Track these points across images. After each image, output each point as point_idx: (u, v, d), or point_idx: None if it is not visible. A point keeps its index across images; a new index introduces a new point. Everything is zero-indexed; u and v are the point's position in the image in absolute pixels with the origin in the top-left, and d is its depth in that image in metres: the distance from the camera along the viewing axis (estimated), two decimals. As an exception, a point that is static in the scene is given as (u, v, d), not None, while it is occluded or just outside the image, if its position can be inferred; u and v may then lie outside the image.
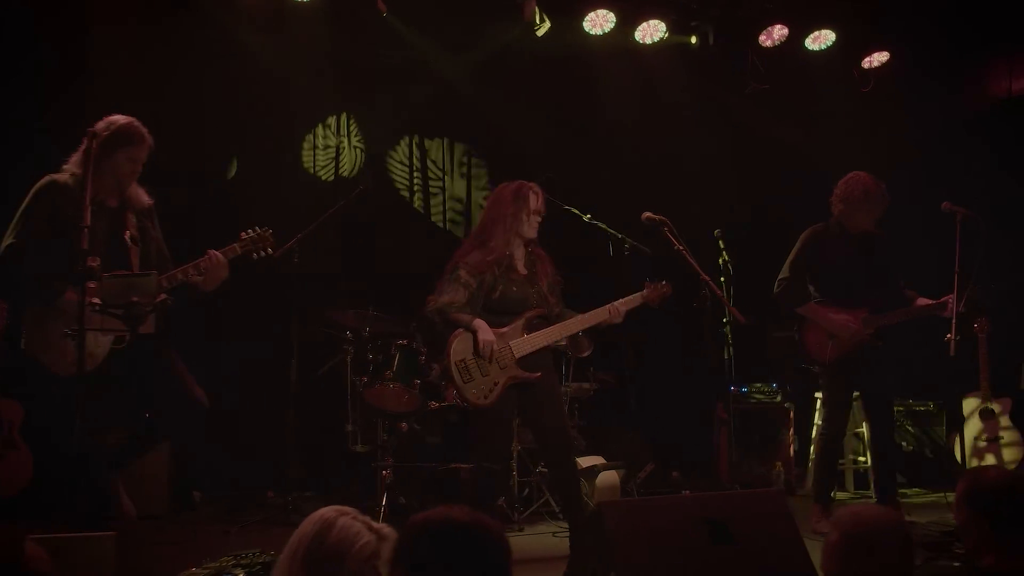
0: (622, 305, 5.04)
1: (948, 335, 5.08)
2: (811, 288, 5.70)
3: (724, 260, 5.46)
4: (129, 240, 4.59)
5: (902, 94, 7.40)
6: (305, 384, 6.07)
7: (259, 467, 6.45)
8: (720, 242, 6.14)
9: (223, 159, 6.49)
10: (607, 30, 6.80)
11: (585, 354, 6.28)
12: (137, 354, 4.45)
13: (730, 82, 7.26)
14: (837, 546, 2.47)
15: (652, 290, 5.10)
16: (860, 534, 2.45)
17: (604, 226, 6.11)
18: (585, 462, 6.08)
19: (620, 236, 6.01)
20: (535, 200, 4.97)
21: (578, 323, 5.07)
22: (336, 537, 2.33)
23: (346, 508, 2.39)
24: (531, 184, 5.02)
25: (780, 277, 5.69)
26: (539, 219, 5.01)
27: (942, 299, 5.38)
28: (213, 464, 6.41)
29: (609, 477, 6.05)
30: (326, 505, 2.48)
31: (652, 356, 7.42)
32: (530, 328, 4.95)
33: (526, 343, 4.90)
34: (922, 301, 5.53)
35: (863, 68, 7.31)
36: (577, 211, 6.14)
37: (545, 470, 6.03)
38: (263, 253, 4.74)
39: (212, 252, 4.58)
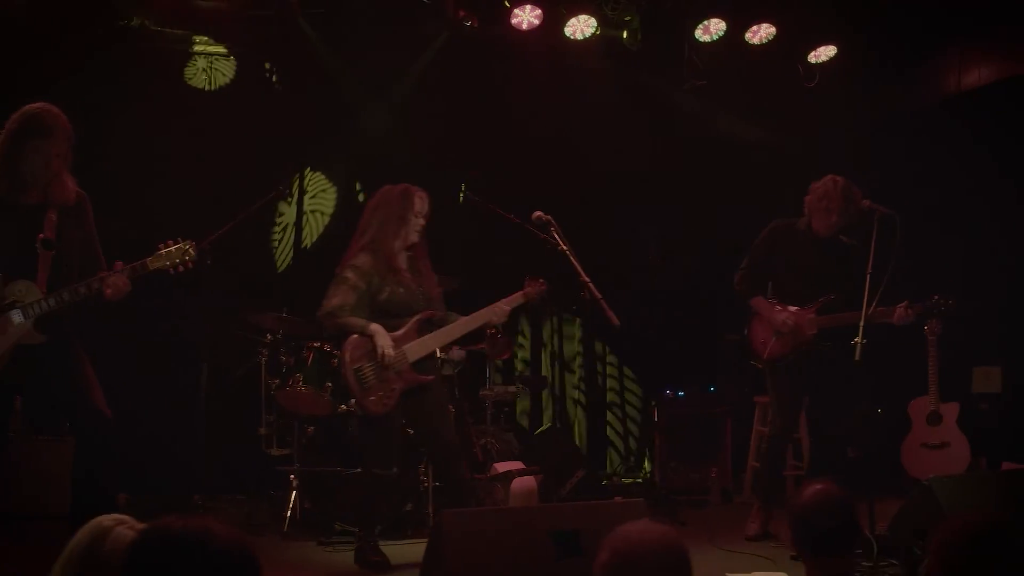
0: (505, 304, 5.06)
1: (855, 339, 4.90)
2: (770, 284, 5.64)
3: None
4: (40, 245, 4.29)
5: (850, 90, 7.20)
6: (222, 387, 6.04)
7: (183, 470, 6.38)
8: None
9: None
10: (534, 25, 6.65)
11: (505, 356, 6.18)
12: (37, 361, 4.28)
13: (667, 78, 7.08)
14: (605, 566, 2.37)
15: (531, 287, 5.15)
16: (627, 552, 2.35)
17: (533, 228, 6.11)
18: (502, 467, 6.00)
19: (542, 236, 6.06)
20: (420, 203, 5.00)
21: (465, 325, 5.08)
22: (109, 547, 2.27)
23: (124, 517, 2.30)
24: (416, 188, 5.05)
25: (740, 266, 5.63)
26: (423, 222, 5.03)
27: (894, 306, 5.26)
28: (137, 466, 6.30)
29: (525, 483, 5.95)
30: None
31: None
32: (421, 331, 4.96)
33: (420, 347, 4.92)
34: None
35: (809, 62, 7.12)
36: (500, 211, 6.12)
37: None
38: (180, 269, 4.47)
39: (110, 279, 4.28)
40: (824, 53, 7.17)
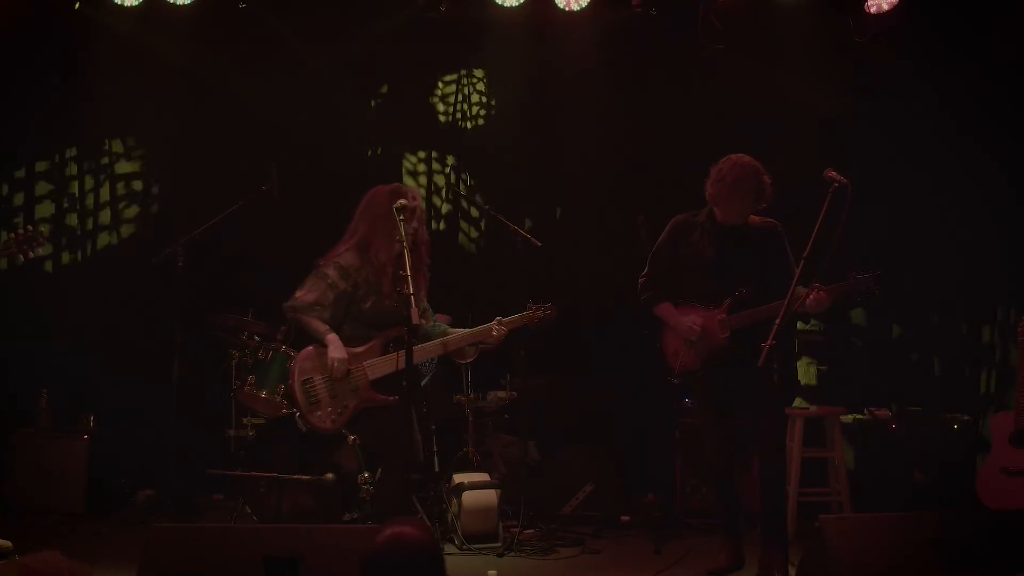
0: (503, 326, 4.92)
1: (763, 342, 4.13)
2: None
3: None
4: None
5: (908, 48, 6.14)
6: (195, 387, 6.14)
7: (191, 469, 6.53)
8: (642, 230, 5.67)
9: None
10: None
11: (468, 360, 5.79)
12: None
13: (680, 46, 6.35)
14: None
15: (535, 311, 5.00)
16: (371, 555, 2.34)
17: (503, 219, 5.85)
18: (464, 479, 5.65)
19: (514, 228, 5.82)
20: (412, 203, 4.77)
21: (446, 344, 4.94)
22: None
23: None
24: (410, 188, 4.96)
25: (641, 273, 4.99)
26: (416, 225, 4.82)
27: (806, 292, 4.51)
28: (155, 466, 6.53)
29: (479, 497, 5.55)
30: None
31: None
32: (388, 348, 4.80)
33: (383, 364, 4.75)
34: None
35: (865, 12, 6.11)
36: (479, 201, 5.86)
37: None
38: (31, 254, 4.69)
39: None
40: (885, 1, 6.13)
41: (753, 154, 4.76)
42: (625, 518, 6.13)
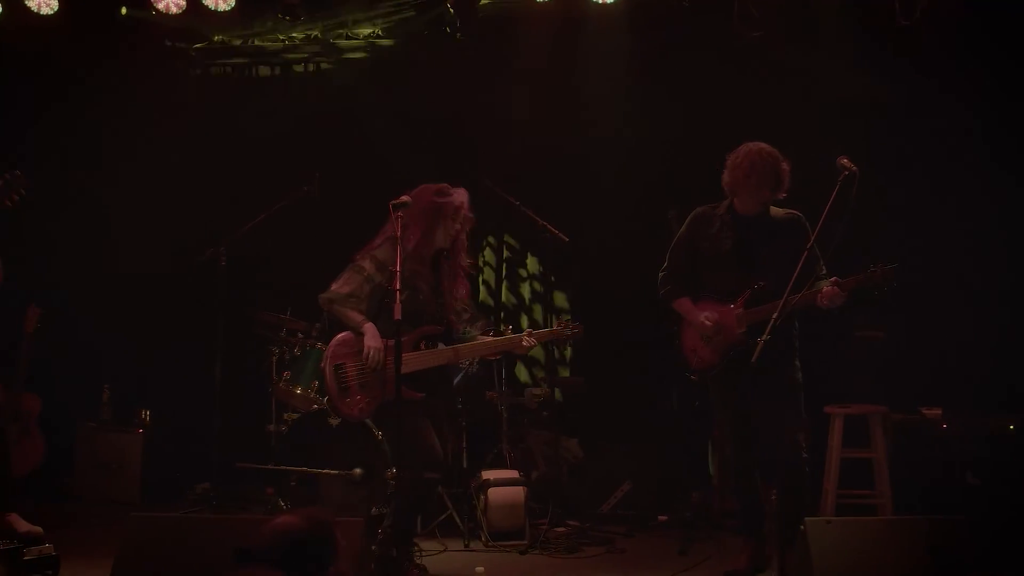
0: (533, 339, 4.86)
1: (760, 337, 4.02)
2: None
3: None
4: None
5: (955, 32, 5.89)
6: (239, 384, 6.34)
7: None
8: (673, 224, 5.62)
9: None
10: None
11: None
12: None
13: (713, 35, 6.21)
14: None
15: (563, 328, 4.95)
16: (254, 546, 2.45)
17: (532, 214, 5.86)
18: (491, 475, 5.68)
19: (543, 223, 5.91)
20: (457, 204, 4.80)
21: (477, 349, 4.92)
22: None
23: None
24: (457, 187, 4.89)
25: (661, 267, 4.95)
26: (458, 227, 4.84)
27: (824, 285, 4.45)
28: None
29: (506, 493, 5.59)
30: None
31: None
32: (420, 345, 4.79)
33: (414, 360, 4.72)
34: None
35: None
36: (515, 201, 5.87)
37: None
38: (15, 198, 4.74)
39: None
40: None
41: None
42: (662, 517, 6.06)
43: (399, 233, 4.39)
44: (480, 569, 4.67)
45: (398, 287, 4.27)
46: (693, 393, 5.67)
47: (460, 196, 4.82)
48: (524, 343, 4.85)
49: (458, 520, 5.71)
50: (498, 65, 6.90)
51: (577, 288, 7.10)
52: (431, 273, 4.79)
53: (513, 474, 5.82)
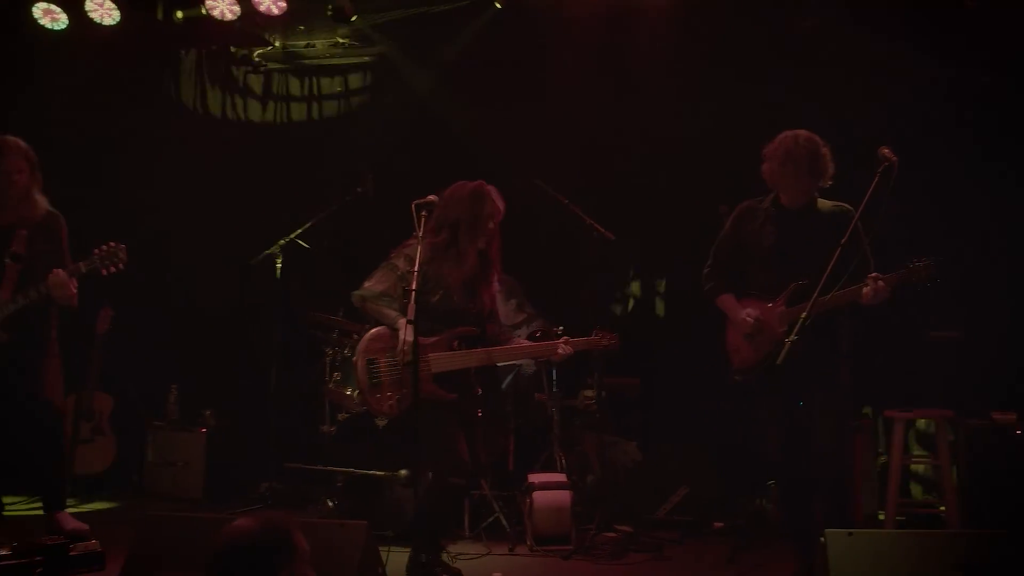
0: (569, 346, 4.76)
1: (788, 338, 3.87)
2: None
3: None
4: (10, 259, 5.09)
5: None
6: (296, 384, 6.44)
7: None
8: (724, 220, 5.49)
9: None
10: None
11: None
12: (9, 359, 5.07)
13: (771, 23, 6.00)
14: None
15: (600, 338, 4.83)
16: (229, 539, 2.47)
17: (579, 211, 5.80)
18: (536, 479, 5.62)
19: (590, 221, 5.84)
20: (494, 203, 4.78)
21: (513, 353, 4.89)
22: None
23: None
24: (490, 186, 4.88)
25: (706, 263, 4.81)
26: (493, 224, 4.81)
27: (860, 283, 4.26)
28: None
29: (551, 497, 5.51)
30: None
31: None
32: (454, 345, 4.77)
33: (447, 360, 4.72)
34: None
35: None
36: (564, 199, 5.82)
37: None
38: (113, 269, 5.05)
39: (51, 281, 4.94)
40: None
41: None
42: (718, 524, 5.89)
43: (421, 232, 4.36)
44: (497, 574, 4.61)
45: (414, 287, 4.23)
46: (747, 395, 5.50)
47: (495, 194, 4.77)
48: (560, 351, 4.74)
49: (505, 523, 5.67)
50: (546, 60, 6.83)
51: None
52: (467, 273, 4.72)
53: (560, 478, 5.74)
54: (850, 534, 3.37)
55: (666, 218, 6.68)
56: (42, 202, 5.20)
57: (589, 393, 6.24)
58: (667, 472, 6.23)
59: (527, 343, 5.00)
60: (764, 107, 6.17)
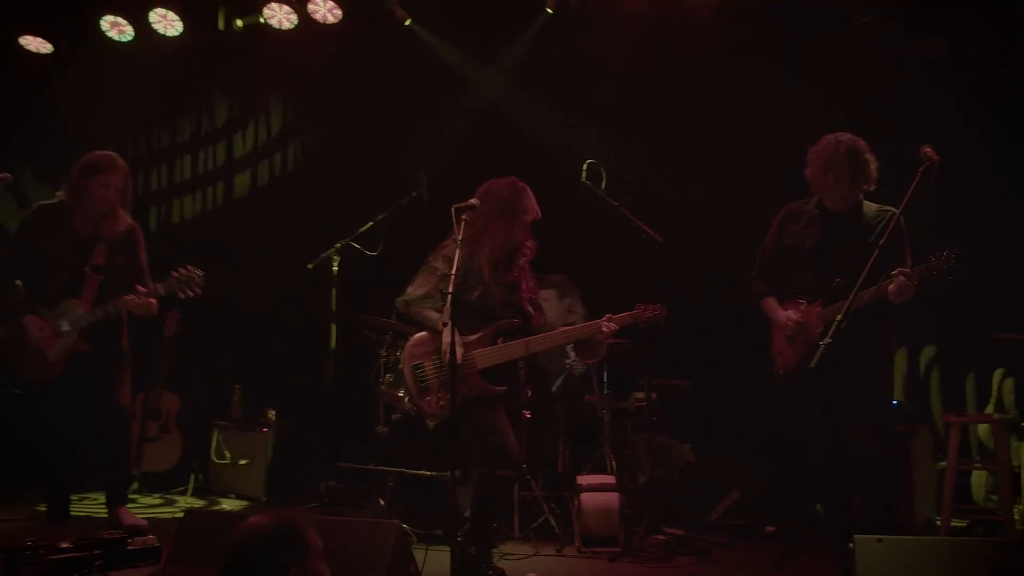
0: (612, 323, 4.80)
1: (822, 340, 3.84)
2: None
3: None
4: (90, 270, 5.38)
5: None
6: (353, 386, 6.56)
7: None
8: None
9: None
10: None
11: (590, 360, 5.73)
12: (81, 364, 5.35)
13: (825, 19, 5.91)
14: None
15: (644, 311, 4.82)
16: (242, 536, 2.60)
17: (628, 214, 5.81)
18: (585, 480, 5.64)
19: (639, 223, 5.83)
20: (528, 199, 4.88)
21: (553, 338, 4.89)
22: None
23: None
24: (523, 184, 4.97)
25: (752, 266, 4.79)
26: (529, 219, 4.91)
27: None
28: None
29: (599, 499, 5.55)
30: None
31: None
32: (500, 339, 4.86)
33: (491, 354, 4.82)
34: None
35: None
36: (614, 202, 5.84)
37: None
38: (191, 293, 5.27)
39: (127, 300, 5.22)
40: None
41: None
42: (770, 528, 5.83)
43: (460, 236, 4.41)
44: (532, 575, 4.64)
45: (450, 290, 4.28)
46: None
47: (529, 191, 4.84)
48: (604, 328, 4.75)
49: (554, 524, 5.70)
50: (592, 61, 6.85)
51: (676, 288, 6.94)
52: (503, 269, 4.80)
53: (609, 480, 5.77)
54: (879, 540, 3.32)
55: (719, 218, 6.65)
56: (125, 217, 5.51)
57: (640, 395, 6.24)
58: (721, 475, 6.22)
59: (568, 328, 5.00)
60: (815, 106, 6.11)
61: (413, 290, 4.85)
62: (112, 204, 5.39)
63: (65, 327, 5.30)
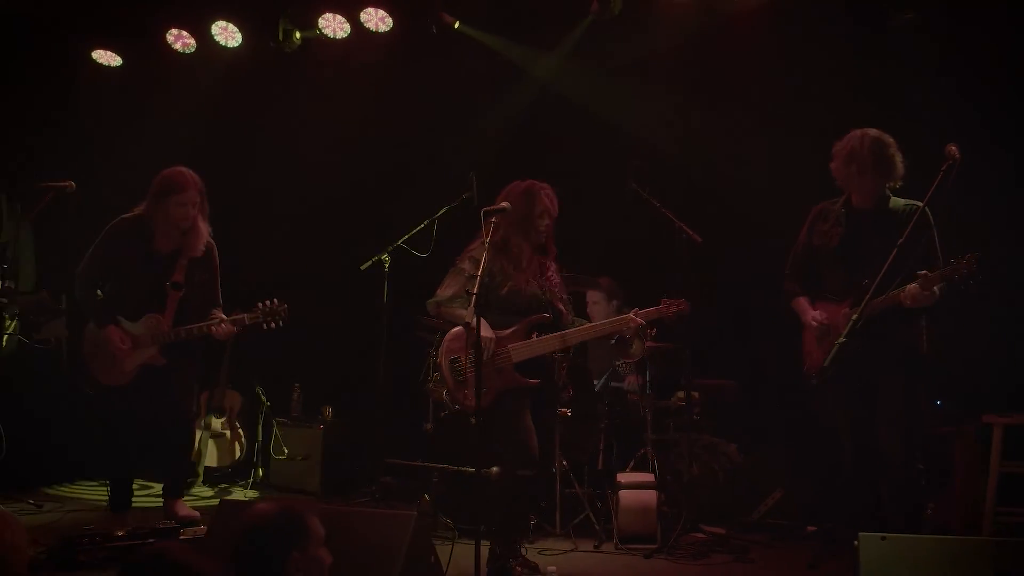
0: (639, 317, 4.95)
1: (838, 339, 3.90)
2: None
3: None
4: (170, 287, 5.64)
5: None
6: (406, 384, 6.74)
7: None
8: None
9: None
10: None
11: (629, 359, 5.79)
12: (155, 376, 5.65)
13: (863, 19, 5.88)
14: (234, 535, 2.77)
15: (669, 305, 4.97)
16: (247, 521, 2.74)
17: (670, 214, 5.87)
18: (624, 478, 5.72)
19: (680, 224, 5.81)
20: (546, 201, 5.04)
21: (586, 332, 5.07)
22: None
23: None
24: (543, 184, 5.16)
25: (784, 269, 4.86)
26: (548, 221, 5.09)
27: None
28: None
29: (637, 497, 5.64)
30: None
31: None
32: (531, 333, 5.04)
33: (526, 348, 4.99)
34: None
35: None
36: (657, 203, 5.91)
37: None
38: (273, 325, 5.52)
39: (218, 327, 5.53)
40: None
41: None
42: (811, 528, 5.82)
43: (488, 238, 4.55)
44: (552, 568, 4.73)
45: (475, 291, 4.41)
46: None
47: (548, 191, 4.97)
48: (631, 323, 4.88)
49: (594, 521, 5.80)
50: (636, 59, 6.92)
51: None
52: (529, 266, 4.94)
53: (648, 478, 5.84)
54: (883, 538, 3.34)
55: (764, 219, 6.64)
56: (205, 232, 5.70)
57: (682, 394, 6.28)
58: (766, 474, 6.22)
59: (599, 322, 5.09)
60: (856, 104, 6.06)
61: (442, 292, 5.02)
62: (192, 219, 5.57)
63: (146, 342, 5.57)
